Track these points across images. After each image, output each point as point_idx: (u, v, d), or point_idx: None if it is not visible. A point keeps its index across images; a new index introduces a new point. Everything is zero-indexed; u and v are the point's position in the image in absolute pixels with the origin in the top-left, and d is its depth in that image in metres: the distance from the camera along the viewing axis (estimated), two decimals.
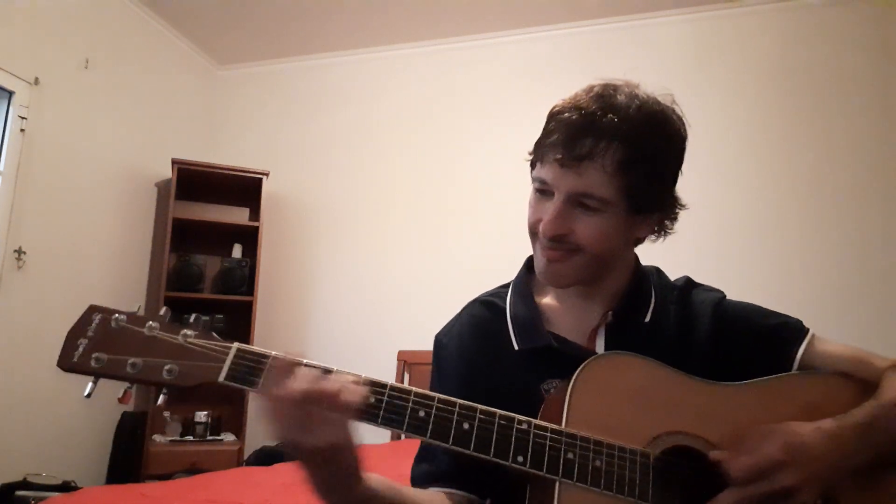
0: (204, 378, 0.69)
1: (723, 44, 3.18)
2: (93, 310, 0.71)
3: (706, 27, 3.22)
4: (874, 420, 0.74)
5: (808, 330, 0.89)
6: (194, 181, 3.42)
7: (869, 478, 0.76)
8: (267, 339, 3.54)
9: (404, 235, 3.54)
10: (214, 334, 0.71)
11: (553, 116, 0.83)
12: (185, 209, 3.40)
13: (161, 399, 0.70)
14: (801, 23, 3.06)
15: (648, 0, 3.19)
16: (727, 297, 0.95)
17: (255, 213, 3.56)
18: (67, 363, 0.69)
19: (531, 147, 0.87)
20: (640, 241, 0.90)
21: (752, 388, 0.81)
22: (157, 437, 3.10)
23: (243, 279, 3.44)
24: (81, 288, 3.00)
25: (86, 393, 0.69)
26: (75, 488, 2.56)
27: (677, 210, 0.88)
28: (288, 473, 1.74)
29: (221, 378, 0.68)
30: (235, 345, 0.70)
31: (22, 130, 2.71)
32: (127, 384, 0.70)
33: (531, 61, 3.45)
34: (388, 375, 3.24)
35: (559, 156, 0.78)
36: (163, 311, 0.71)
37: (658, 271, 0.99)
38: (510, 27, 3.51)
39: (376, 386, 0.70)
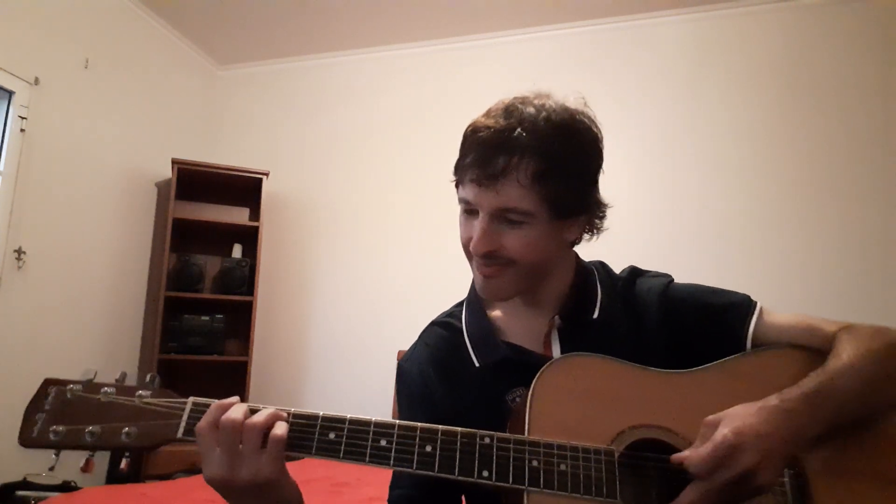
0: (164, 436, 0.69)
1: (723, 44, 3.16)
2: (48, 383, 0.72)
3: (706, 27, 3.20)
4: (821, 388, 0.74)
5: (755, 304, 0.90)
6: (194, 181, 3.42)
7: (835, 443, 0.76)
8: (267, 339, 3.55)
9: (404, 235, 3.54)
10: (170, 391, 0.72)
11: (467, 137, 0.85)
12: (185, 209, 3.41)
13: (123, 462, 0.71)
14: (801, 23, 3.05)
15: (648, 0, 3.19)
16: (674, 282, 0.95)
17: (255, 213, 3.57)
18: (27, 440, 0.69)
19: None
20: (575, 242, 0.91)
21: (708, 372, 0.82)
22: None
23: (243, 279, 3.44)
24: (81, 288, 3.01)
25: (49, 467, 0.69)
26: (75, 488, 2.56)
27: (603, 209, 0.90)
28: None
29: (180, 434, 0.69)
30: (191, 399, 0.71)
31: (22, 130, 2.72)
32: (88, 453, 0.70)
33: (531, 61, 3.44)
34: (387, 375, 3.26)
35: (475, 176, 0.81)
36: (119, 374, 0.72)
37: (603, 266, 0.99)
38: (510, 27, 3.49)
39: (334, 421, 0.71)
